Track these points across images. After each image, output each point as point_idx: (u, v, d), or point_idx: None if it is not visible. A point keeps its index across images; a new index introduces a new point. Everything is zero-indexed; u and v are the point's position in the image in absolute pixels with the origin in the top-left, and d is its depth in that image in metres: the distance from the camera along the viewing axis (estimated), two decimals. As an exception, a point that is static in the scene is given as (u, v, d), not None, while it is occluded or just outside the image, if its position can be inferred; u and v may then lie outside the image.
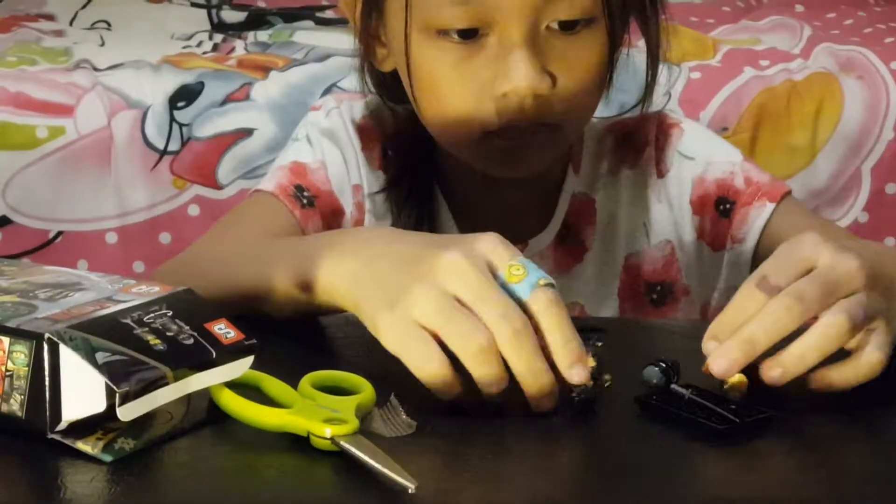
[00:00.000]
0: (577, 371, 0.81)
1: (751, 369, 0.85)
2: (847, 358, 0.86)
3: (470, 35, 1.07)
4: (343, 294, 0.89)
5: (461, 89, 1.08)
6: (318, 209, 1.17)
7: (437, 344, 0.81)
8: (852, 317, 0.83)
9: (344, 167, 1.20)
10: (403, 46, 1.10)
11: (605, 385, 0.85)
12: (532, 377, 0.81)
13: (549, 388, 0.81)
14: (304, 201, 1.17)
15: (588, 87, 1.10)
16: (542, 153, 1.13)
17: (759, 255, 1.17)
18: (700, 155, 1.22)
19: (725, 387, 0.85)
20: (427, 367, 0.81)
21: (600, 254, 1.22)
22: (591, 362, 0.83)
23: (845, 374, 0.86)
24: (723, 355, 0.83)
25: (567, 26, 1.07)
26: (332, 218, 1.19)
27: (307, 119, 1.25)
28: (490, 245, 0.84)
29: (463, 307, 0.81)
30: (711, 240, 1.22)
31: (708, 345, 0.85)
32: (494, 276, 0.83)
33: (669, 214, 1.22)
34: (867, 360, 0.85)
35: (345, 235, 0.98)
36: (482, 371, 0.80)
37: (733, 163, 1.22)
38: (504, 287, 0.82)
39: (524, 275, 0.83)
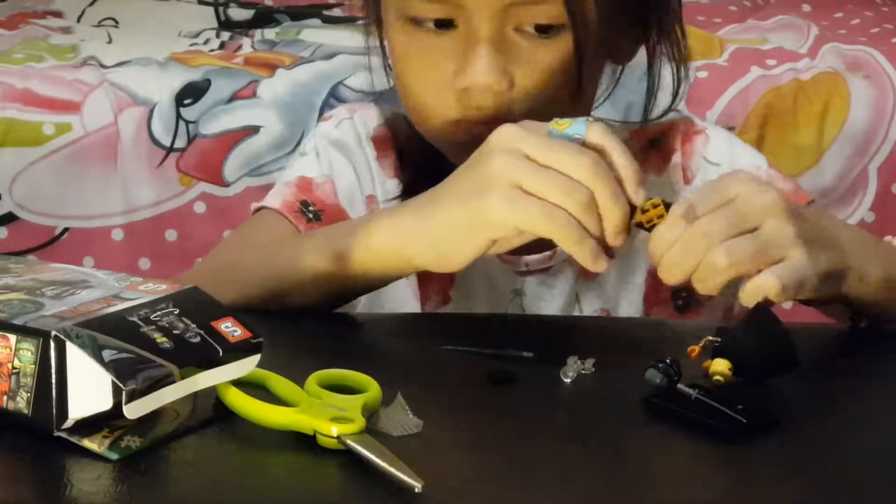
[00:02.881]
0: (638, 193, 0.92)
1: (737, 359, 0.87)
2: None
3: (444, 25, 1.07)
4: (390, 243, 0.98)
5: (426, 78, 1.09)
6: (324, 223, 1.17)
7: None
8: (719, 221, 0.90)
9: (355, 179, 1.20)
10: (384, 30, 1.12)
11: (591, 370, 0.89)
12: (615, 204, 0.90)
13: (626, 214, 0.91)
14: (310, 216, 1.16)
15: (549, 92, 1.09)
16: None
17: None
18: (725, 161, 1.22)
19: (711, 372, 0.87)
20: (558, 219, 0.90)
21: (625, 260, 1.20)
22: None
23: (744, 291, 0.91)
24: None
25: (540, 29, 1.07)
26: None
27: (316, 130, 1.25)
28: (521, 122, 0.95)
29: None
30: None
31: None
32: None
33: None
34: (759, 281, 0.90)
35: (373, 213, 1.03)
36: (589, 218, 0.90)
37: (758, 168, 1.21)
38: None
39: (569, 121, 0.92)
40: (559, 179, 0.90)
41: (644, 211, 0.92)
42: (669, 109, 1.21)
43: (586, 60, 1.10)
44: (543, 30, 1.07)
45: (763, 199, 0.92)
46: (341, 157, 1.20)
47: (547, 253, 1.18)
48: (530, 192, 0.90)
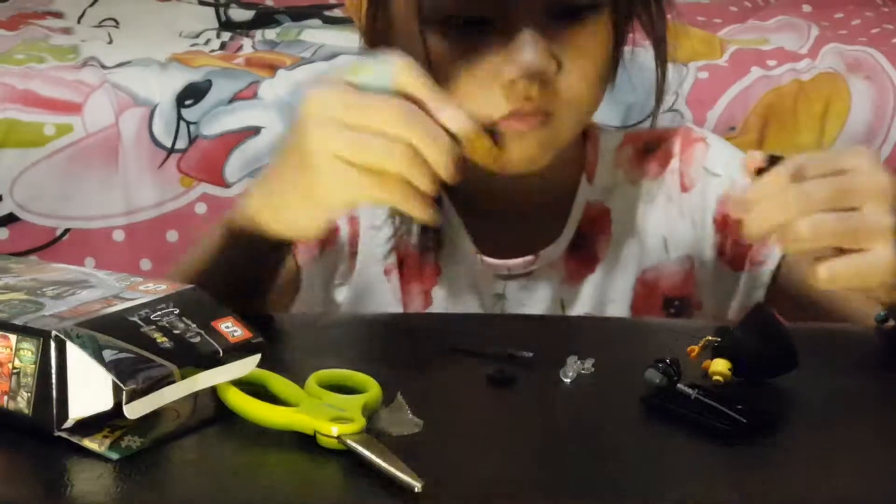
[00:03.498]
0: (454, 118, 0.88)
1: (736, 359, 0.87)
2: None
3: (475, 24, 1.07)
4: (270, 220, 0.96)
5: (468, 78, 1.07)
6: None
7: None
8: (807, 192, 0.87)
9: None
10: (408, 40, 1.10)
11: (591, 370, 0.89)
12: (434, 143, 0.86)
13: (449, 149, 0.87)
14: None
15: (592, 77, 1.09)
16: (542, 147, 1.11)
17: (779, 278, 1.17)
18: (726, 172, 1.21)
19: (710, 372, 0.88)
20: (386, 187, 0.87)
21: (614, 264, 1.21)
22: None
23: (836, 267, 0.88)
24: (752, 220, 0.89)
25: (572, 13, 1.06)
26: (324, 236, 1.19)
27: None
28: (324, 81, 0.91)
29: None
30: (731, 259, 1.21)
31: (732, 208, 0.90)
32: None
33: (691, 230, 1.21)
34: (818, 268, 0.88)
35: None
36: (415, 172, 0.86)
37: None
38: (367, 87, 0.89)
39: (371, 66, 0.89)
40: (376, 142, 0.87)
41: (471, 142, 0.90)
42: (655, 110, 1.20)
43: (621, 40, 1.11)
44: (574, 13, 1.07)
45: (875, 179, 0.89)
46: None
47: (528, 258, 1.18)
48: (352, 162, 0.88)
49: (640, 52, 1.17)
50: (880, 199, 0.88)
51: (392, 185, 0.87)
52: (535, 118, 1.07)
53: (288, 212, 0.95)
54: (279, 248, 1.01)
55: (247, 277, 1.02)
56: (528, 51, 1.04)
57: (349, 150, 0.87)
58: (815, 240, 0.87)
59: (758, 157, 0.90)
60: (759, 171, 0.90)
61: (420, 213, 0.88)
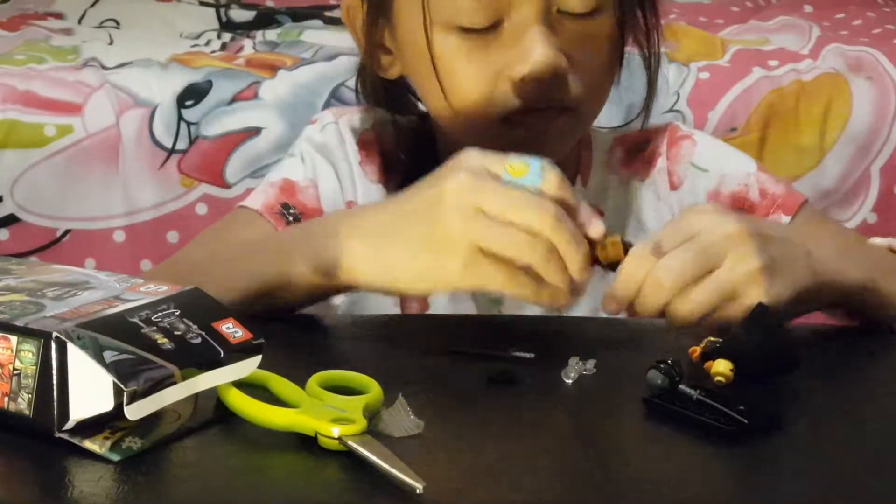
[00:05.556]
0: (595, 226, 0.92)
1: (738, 360, 0.87)
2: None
3: (483, 29, 1.07)
4: (375, 278, 0.95)
5: (478, 76, 1.08)
6: None
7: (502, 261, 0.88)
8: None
9: (337, 183, 1.20)
10: (414, 44, 1.10)
11: (592, 371, 0.90)
12: (577, 249, 0.89)
13: (587, 254, 0.90)
14: (290, 218, 1.16)
15: (601, 69, 1.11)
16: (562, 139, 1.13)
17: None
18: (714, 167, 1.22)
19: (712, 373, 0.88)
20: (516, 281, 0.89)
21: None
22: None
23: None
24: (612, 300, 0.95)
25: (579, 11, 1.08)
26: None
27: (303, 134, 1.25)
28: (478, 155, 0.91)
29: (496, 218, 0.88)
30: None
31: (608, 306, 0.95)
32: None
33: None
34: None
35: (343, 217, 1.01)
36: (551, 269, 0.89)
37: (748, 174, 1.21)
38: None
39: (526, 166, 0.90)
40: (519, 237, 0.88)
41: (603, 247, 0.93)
42: (643, 110, 1.21)
43: (625, 34, 1.12)
44: (583, 13, 1.08)
45: (725, 229, 0.92)
46: (324, 161, 1.20)
47: None
48: (490, 251, 0.89)
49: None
50: (738, 244, 0.91)
51: (522, 281, 0.89)
52: (553, 113, 1.08)
53: (405, 283, 0.95)
54: (350, 288, 1.00)
55: (298, 307, 1.03)
56: (538, 46, 1.05)
57: (490, 241, 0.88)
58: (692, 313, 0.91)
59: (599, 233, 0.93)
60: (606, 260, 0.93)
61: (546, 302, 0.91)
